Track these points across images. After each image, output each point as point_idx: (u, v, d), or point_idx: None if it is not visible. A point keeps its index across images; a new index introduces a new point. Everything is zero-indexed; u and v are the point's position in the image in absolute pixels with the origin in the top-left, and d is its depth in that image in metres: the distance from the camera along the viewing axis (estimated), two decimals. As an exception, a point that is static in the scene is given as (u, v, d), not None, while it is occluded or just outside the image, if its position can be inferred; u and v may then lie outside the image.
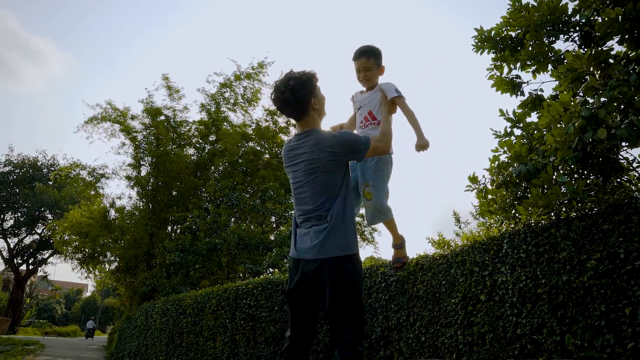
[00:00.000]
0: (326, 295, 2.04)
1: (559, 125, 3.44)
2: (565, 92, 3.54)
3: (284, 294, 2.23)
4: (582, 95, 3.65)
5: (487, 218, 4.56)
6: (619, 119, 3.17)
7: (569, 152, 3.34)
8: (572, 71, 3.76)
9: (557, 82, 4.41)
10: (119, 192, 18.77)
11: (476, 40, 5.04)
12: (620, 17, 3.67)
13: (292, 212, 2.43)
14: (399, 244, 2.73)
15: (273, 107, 14.46)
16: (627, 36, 3.82)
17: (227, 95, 14.78)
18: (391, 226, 2.68)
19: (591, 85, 3.40)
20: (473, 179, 4.51)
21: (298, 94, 2.17)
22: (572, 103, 3.49)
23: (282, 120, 14.49)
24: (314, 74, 2.27)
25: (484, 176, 4.48)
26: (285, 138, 14.40)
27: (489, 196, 4.33)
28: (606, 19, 3.74)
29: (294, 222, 2.29)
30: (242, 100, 14.85)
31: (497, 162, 4.32)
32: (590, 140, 3.24)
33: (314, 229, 2.15)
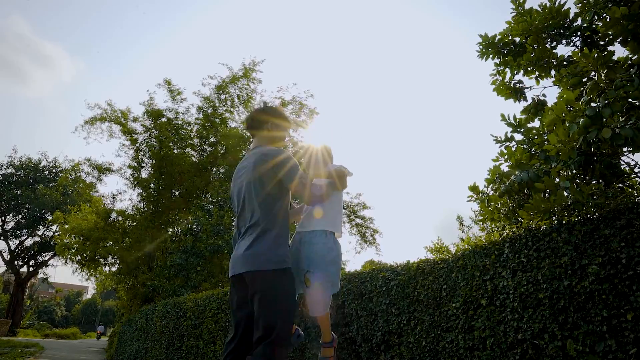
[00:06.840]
0: None
1: (563, 124, 3.42)
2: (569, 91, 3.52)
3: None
4: (585, 96, 3.63)
5: (489, 224, 4.55)
6: (622, 119, 3.16)
7: (572, 153, 3.30)
8: (573, 75, 3.76)
9: (559, 89, 4.41)
10: (121, 194, 18.78)
11: (481, 47, 5.04)
12: (624, 16, 3.65)
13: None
14: (328, 341, 2.46)
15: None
16: (629, 38, 3.82)
17: (223, 97, 14.79)
18: (323, 321, 2.40)
19: (596, 83, 3.39)
20: (474, 189, 4.50)
21: None
22: (576, 103, 3.48)
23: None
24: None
25: (485, 185, 4.47)
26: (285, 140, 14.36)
27: (492, 204, 4.32)
28: (610, 17, 3.72)
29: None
30: (238, 102, 14.86)
31: (498, 173, 4.31)
32: (595, 140, 3.21)
33: None
